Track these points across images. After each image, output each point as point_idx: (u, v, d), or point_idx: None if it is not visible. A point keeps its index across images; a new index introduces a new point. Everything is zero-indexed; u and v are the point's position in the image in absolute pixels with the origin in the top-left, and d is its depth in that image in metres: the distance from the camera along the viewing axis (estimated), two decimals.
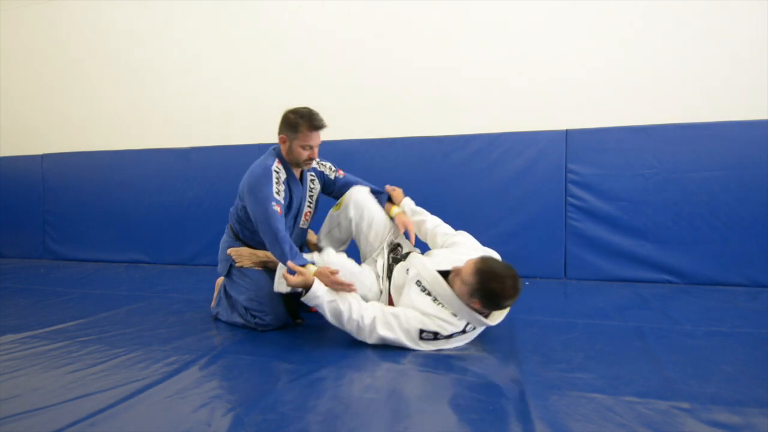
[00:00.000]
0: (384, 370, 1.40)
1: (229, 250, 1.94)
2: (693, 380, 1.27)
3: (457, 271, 1.54)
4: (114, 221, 3.89)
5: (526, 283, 2.76)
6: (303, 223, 2.00)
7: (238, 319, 1.88)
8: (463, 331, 1.57)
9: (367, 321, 1.56)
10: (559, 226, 2.89)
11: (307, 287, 1.57)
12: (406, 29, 3.26)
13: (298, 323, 1.94)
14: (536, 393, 1.20)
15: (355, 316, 1.56)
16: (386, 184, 2.11)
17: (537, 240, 2.88)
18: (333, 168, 2.08)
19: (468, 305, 1.52)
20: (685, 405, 1.12)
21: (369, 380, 1.33)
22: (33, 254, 4.17)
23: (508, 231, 2.94)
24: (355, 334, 1.59)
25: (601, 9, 2.89)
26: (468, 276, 1.49)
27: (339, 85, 3.39)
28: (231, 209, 2.02)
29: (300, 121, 1.77)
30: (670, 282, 2.70)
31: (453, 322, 1.53)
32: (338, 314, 1.58)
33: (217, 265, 2.04)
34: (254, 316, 1.82)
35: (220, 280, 2.10)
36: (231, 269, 1.93)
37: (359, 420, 1.08)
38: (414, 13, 3.23)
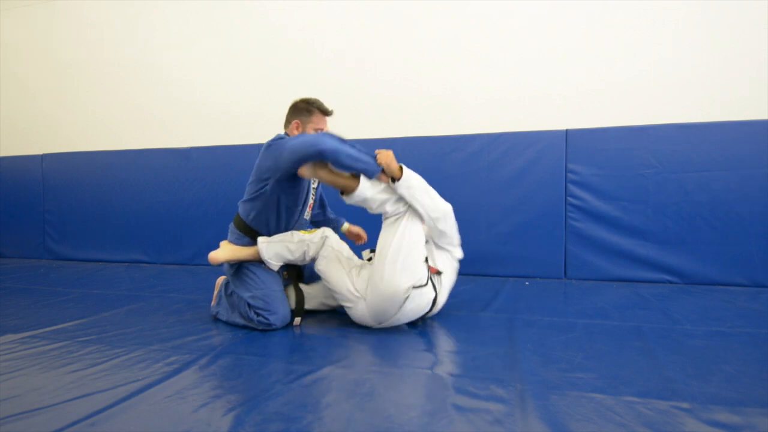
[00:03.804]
0: (383, 371, 1.40)
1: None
2: (693, 380, 1.27)
3: None
4: (114, 221, 3.89)
5: (526, 283, 2.76)
6: (307, 214, 2.07)
7: (239, 319, 1.87)
8: None
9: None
10: (559, 226, 2.89)
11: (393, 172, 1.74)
12: (406, 30, 3.26)
13: (296, 324, 1.92)
14: (536, 393, 1.20)
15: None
16: None
17: (537, 240, 2.88)
18: None
19: None
20: (685, 405, 1.12)
21: (368, 380, 1.33)
22: (33, 254, 4.18)
23: (508, 231, 2.94)
24: (433, 206, 1.76)
25: (601, 9, 2.90)
26: None
27: (339, 85, 3.39)
28: (243, 199, 1.96)
29: (313, 107, 1.97)
30: (670, 282, 2.70)
31: None
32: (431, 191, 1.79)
33: (218, 265, 2.02)
34: (258, 314, 1.81)
35: (221, 279, 2.10)
36: (241, 265, 1.91)
37: (358, 420, 1.08)
38: (414, 13, 3.23)
